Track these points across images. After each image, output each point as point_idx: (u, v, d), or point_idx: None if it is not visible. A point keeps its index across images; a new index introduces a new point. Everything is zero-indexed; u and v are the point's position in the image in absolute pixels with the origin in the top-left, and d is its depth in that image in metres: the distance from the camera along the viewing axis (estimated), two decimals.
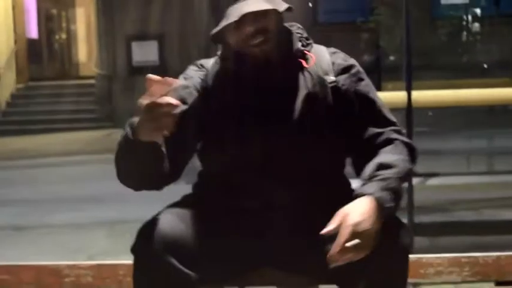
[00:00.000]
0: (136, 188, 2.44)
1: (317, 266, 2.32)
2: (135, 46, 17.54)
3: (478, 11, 16.80)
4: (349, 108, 2.49)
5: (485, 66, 15.48)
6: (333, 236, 2.22)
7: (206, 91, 2.52)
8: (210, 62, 2.59)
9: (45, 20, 22.00)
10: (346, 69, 2.53)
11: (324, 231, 2.20)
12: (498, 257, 2.94)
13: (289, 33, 2.56)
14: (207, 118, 2.48)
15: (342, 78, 2.51)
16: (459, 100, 5.32)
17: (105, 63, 17.98)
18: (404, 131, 2.55)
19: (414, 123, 5.02)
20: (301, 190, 2.45)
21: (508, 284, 3.00)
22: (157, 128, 2.18)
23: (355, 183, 2.46)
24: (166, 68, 17.23)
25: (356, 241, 2.17)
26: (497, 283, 3.00)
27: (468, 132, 11.72)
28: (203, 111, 2.49)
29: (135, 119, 2.27)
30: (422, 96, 5.20)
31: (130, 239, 2.41)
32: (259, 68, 2.46)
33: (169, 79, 2.16)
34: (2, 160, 12.77)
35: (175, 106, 2.13)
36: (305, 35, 2.59)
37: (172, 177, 2.45)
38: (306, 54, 2.54)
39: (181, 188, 2.74)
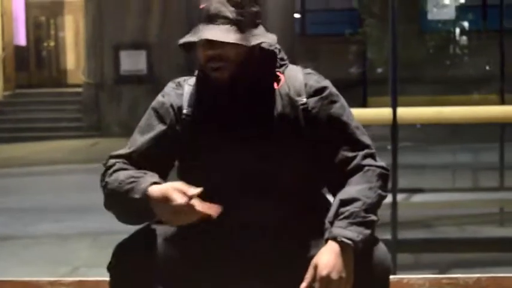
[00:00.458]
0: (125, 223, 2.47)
1: (291, 282, 2.36)
2: (123, 55, 17.52)
3: (466, 25, 16.88)
4: (319, 131, 2.48)
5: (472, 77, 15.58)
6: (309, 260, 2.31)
7: (180, 111, 2.52)
8: (188, 81, 2.60)
9: (34, 27, 21.92)
10: (318, 91, 2.52)
11: (303, 286, 2.28)
12: (479, 279, 2.95)
13: (261, 57, 2.53)
14: (182, 138, 2.50)
15: (313, 101, 2.50)
16: (444, 117, 5.33)
17: (92, 71, 17.94)
18: (375, 156, 2.51)
19: (400, 137, 5.05)
20: (276, 210, 2.45)
21: None
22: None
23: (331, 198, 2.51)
24: (154, 77, 17.22)
25: None
26: None
27: (453, 146, 11.77)
28: (179, 132, 2.51)
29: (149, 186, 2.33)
30: (408, 113, 5.22)
31: None
32: (229, 90, 2.47)
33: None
34: None
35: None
36: (281, 55, 2.57)
37: None
38: (277, 75, 2.53)
39: None
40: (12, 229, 7.49)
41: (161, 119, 2.51)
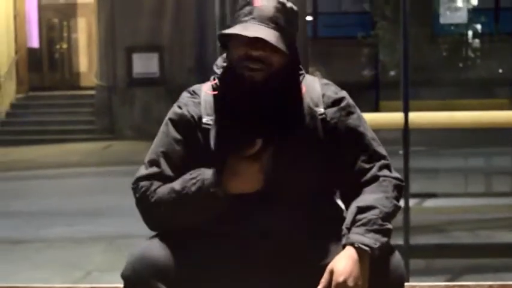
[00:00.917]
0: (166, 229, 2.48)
1: None
2: (136, 57, 17.55)
3: (478, 28, 16.84)
4: (337, 142, 2.50)
5: (485, 80, 15.56)
6: (323, 267, 2.31)
7: (200, 120, 2.51)
8: (202, 89, 2.58)
9: (47, 29, 21.98)
10: (336, 102, 2.54)
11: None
12: (490, 286, 2.95)
13: (291, 68, 2.53)
14: (204, 147, 2.49)
15: (331, 112, 2.52)
16: (455, 122, 5.33)
17: (105, 74, 17.98)
18: (391, 167, 2.53)
19: (411, 141, 5.04)
20: (291, 217, 2.46)
21: None
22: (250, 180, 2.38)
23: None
24: (166, 80, 17.24)
25: None
26: None
27: (465, 150, 11.73)
28: (200, 141, 2.49)
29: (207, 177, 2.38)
30: (419, 117, 5.21)
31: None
32: (254, 96, 2.45)
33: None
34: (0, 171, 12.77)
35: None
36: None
37: None
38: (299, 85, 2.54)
39: None
40: (25, 233, 7.50)
41: (182, 131, 2.50)
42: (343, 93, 2.57)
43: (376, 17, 17.36)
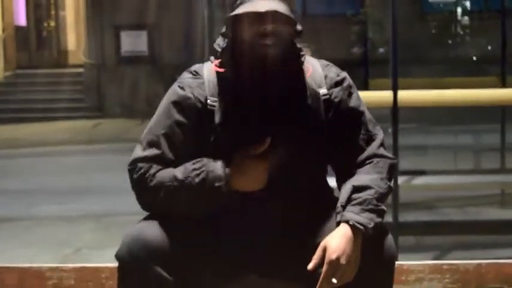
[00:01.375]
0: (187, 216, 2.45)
1: (300, 274, 2.35)
2: (124, 35, 17.49)
3: (467, 5, 16.84)
4: (338, 122, 2.51)
5: (474, 58, 15.56)
6: (315, 247, 2.31)
7: (206, 101, 2.47)
8: (203, 69, 2.55)
9: (34, 7, 21.86)
10: (338, 83, 2.55)
11: (310, 267, 2.27)
12: (479, 265, 2.96)
13: (296, 47, 2.54)
14: (208, 129, 2.46)
15: (335, 91, 2.53)
16: (444, 100, 5.34)
17: (93, 52, 17.91)
18: (385, 146, 2.56)
19: (400, 118, 5.07)
20: (284, 198, 2.47)
21: None
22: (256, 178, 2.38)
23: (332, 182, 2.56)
24: (155, 58, 17.19)
25: (335, 280, 2.26)
26: None
27: (454, 128, 11.77)
28: (205, 122, 2.46)
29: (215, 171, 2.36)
30: (408, 96, 5.22)
31: (116, 232, 2.45)
32: (260, 75, 2.45)
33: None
34: None
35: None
36: (299, 46, 2.58)
37: None
38: (303, 65, 2.54)
39: None
40: (13, 210, 7.51)
41: (185, 113, 2.46)
42: (344, 74, 2.59)
43: None
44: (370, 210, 2.34)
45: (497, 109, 7.06)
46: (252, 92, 2.47)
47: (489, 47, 15.51)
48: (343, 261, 2.26)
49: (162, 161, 2.43)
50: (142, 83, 16.81)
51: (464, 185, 6.03)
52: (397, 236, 4.85)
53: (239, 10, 2.42)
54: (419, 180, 5.83)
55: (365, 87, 7.05)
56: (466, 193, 6.97)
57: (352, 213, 2.33)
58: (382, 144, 2.53)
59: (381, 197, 2.39)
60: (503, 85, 6.80)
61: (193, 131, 2.46)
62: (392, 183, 2.51)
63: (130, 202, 2.51)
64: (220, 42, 2.55)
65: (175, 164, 2.42)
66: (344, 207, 2.36)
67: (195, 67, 2.57)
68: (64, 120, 16.32)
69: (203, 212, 2.39)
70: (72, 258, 5.63)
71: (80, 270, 2.95)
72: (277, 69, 2.45)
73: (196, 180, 2.35)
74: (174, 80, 2.61)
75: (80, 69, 18.67)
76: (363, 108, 2.56)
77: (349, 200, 2.36)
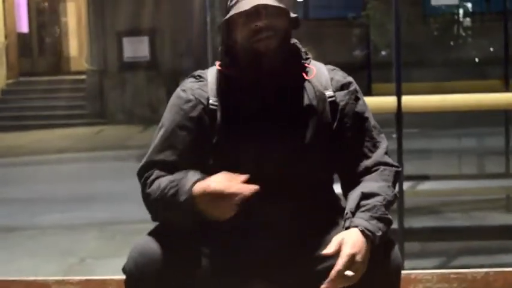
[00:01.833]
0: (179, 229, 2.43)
1: (307, 279, 2.35)
2: (126, 42, 17.50)
3: (469, 7, 16.83)
4: (343, 125, 2.51)
5: (477, 60, 15.55)
6: (322, 256, 2.27)
7: (207, 102, 2.49)
8: (207, 73, 2.57)
9: (36, 14, 21.90)
10: (345, 86, 2.55)
11: (325, 252, 2.24)
12: (486, 273, 2.95)
13: (294, 44, 2.57)
14: (210, 130, 2.47)
15: (341, 94, 2.53)
16: (448, 105, 5.32)
17: (95, 58, 17.93)
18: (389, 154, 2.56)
19: (404, 124, 5.05)
20: (291, 204, 2.45)
21: None
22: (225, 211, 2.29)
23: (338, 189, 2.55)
24: (157, 64, 17.19)
25: (351, 273, 2.22)
26: None
27: (457, 131, 11.75)
28: (207, 124, 2.47)
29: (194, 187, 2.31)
30: (412, 101, 5.20)
31: (121, 240, 2.43)
32: (262, 71, 2.46)
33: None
34: None
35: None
36: (303, 49, 2.60)
37: None
38: (306, 67, 2.55)
39: None
40: (18, 220, 7.49)
41: (188, 115, 2.48)
42: (351, 78, 2.60)
43: None
44: (378, 219, 2.32)
45: (501, 112, 7.04)
46: (253, 90, 2.48)
47: (491, 49, 15.50)
48: (359, 258, 2.23)
49: (166, 167, 2.44)
50: (144, 89, 16.82)
51: (469, 189, 6.00)
52: (403, 242, 4.83)
53: (230, 14, 2.46)
54: (424, 186, 5.81)
55: (368, 91, 7.02)
56: (471, 198, 6.95)
57: (362, 220, 2.31)
58: (386, 153, 2.53)
59: (388, 205, 2.39)
60: (507, 88, 6.78)
61: (196, 133, 2.47)
62: (397, 192, 2.50)
63: (134, 209, 2.50)
64: (221, 48, 2.59)
65: (178, 167, 2.42)
66: (353, 213, 2.34)
67: (198, 72, 2.61)
68: (66, 127, 16.32)
69: (188, 226, 2.37)
70: (77, 269, 5.61)
71: (86, 283, 2.94)
72: (277, 61, 2.47)
73: (171, 192, 2.36)
74: (176, 85, 2.66)
75: (83, 76, 18.68)
76: (368, 114, 2.56)
77: (358, 207, 2.35)
